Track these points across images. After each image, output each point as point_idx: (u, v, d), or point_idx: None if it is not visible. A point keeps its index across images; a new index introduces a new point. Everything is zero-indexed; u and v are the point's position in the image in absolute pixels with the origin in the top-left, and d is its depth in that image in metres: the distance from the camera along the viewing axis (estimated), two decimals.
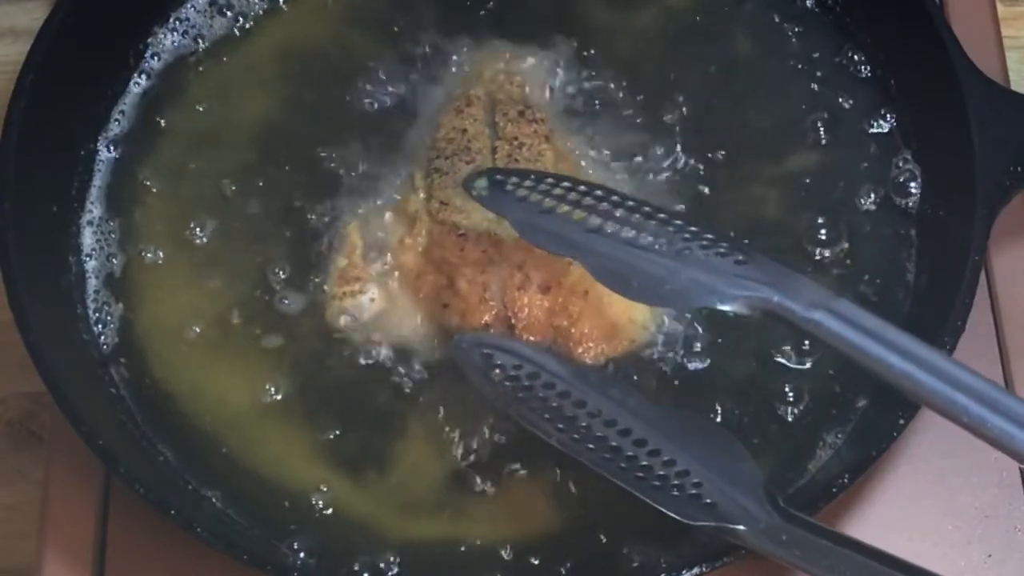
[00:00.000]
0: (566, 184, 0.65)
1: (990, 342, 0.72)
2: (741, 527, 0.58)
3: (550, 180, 0.65)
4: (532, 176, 0.66)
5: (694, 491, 0.60)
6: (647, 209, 0.63)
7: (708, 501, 0.59)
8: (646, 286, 0.61)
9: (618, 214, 0.63)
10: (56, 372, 0.64)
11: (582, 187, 0.65)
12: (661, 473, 0.60)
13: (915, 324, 0.69)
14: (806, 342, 0.69)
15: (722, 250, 0.62)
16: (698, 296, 0.61)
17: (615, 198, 0.64)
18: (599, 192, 0.64)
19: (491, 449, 0.67)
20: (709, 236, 0.62)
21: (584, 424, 0.62)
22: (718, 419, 0.67)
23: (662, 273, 0.61)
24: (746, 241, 0.65)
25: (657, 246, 0.62)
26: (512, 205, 0.65)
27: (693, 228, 0.63)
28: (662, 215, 0.63)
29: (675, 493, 0.60)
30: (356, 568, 0.64)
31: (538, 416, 0.63)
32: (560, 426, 0.62)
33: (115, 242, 0.72)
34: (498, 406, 0.65)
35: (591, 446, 0.62)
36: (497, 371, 0.64)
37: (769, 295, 0.60)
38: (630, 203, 0.64)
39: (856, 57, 0.76)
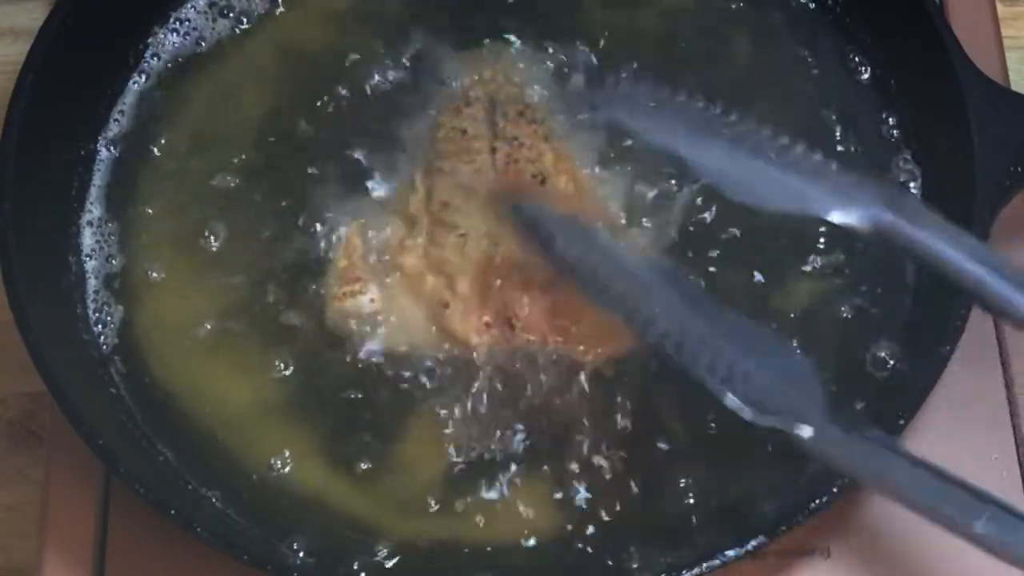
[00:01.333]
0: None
1: (990, 343, 0.72)
2: (804, 428, 0.57)
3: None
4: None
5: (756, 394, 0.58)
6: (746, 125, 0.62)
7: (769, 405, 0.58)
8: (757, 189, 0.60)
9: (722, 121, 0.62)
10: (56, 372, 0.64)
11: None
12: (723, 374, 0.59)
13: (915, 324, 0.69)
14: (800, 343, 0.69)
15: (834, 167, 0.61)
16: (815, 203, 0.60)
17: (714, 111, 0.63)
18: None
19: (490, 449, 0.67)
20: (818, 154, 0.61)
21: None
22: (716, 418, 0.67)
23: (776, 177, 0.60)
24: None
25: (767, 150, 0.61)
26: (615, 99, 0.64)
27: (800, 146, 0.61)
28: (766, 132, 0.62)
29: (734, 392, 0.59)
30: (355, 567, 0.64)
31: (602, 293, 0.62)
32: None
33: (115, 242, 0.72)
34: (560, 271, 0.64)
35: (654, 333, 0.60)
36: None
37: (884, 212, 0.59)
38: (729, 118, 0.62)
39: (856, 57, 0.76)
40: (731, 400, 0.58)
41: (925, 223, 0.59)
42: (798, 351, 0.61)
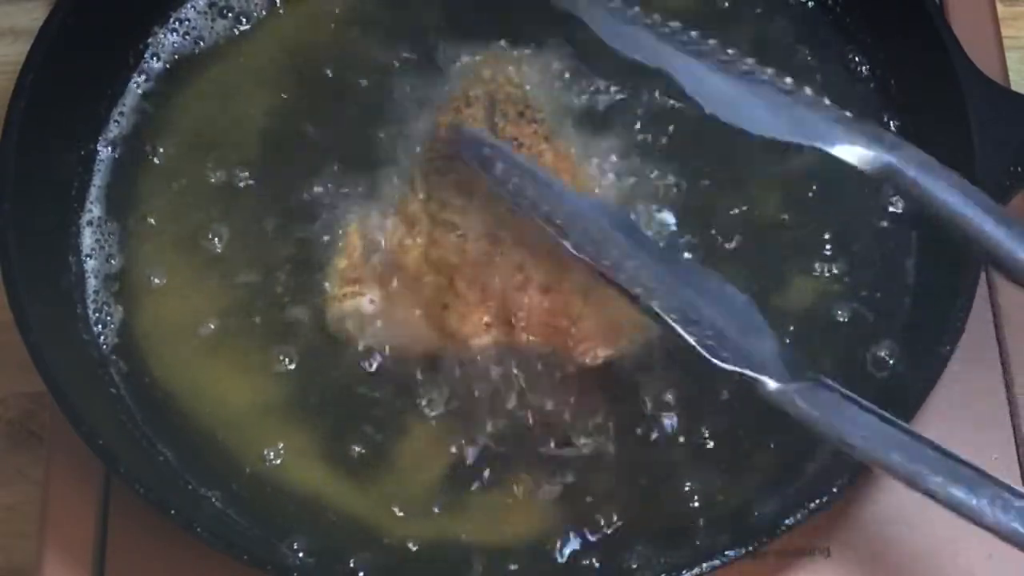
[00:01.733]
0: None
1: (990, 343, 0.72)
2: (768, 378, 0.57)
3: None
4: None
5: (711, 341, 0.58)
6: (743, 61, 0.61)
7: (728, 351, 0.58)
8: (757, 116, 0.58)
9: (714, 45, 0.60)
10: (56, 372, 0.64)
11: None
12: (677, 314, 0.58)
13: (915, 325, 0.69)
14: (800, 343, 0.69)
15: (828, 102, 0.59)
16: (817, 134, 0.58)
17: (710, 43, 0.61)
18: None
19: (490, 450, 0.67)
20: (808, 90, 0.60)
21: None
22: (716, 419, 0.67)
23: (776, 103, 0.58)
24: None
25: (767, 79, 0.59)
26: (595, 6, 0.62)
27: (789, 79, 0.60)
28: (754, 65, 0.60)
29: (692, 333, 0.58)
30: (355, 567, 0.64)
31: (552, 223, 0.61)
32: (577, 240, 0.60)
33: (115, 242, 0.73)
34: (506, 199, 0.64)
35: (606, 262, 0.60)
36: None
37: (884, 152, 0.58)
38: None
39: (856, 57, 0.76)
40: (689, 341, 0.57)
41: (927, 166, 0.58)
42: (747, 298, 0.60)
